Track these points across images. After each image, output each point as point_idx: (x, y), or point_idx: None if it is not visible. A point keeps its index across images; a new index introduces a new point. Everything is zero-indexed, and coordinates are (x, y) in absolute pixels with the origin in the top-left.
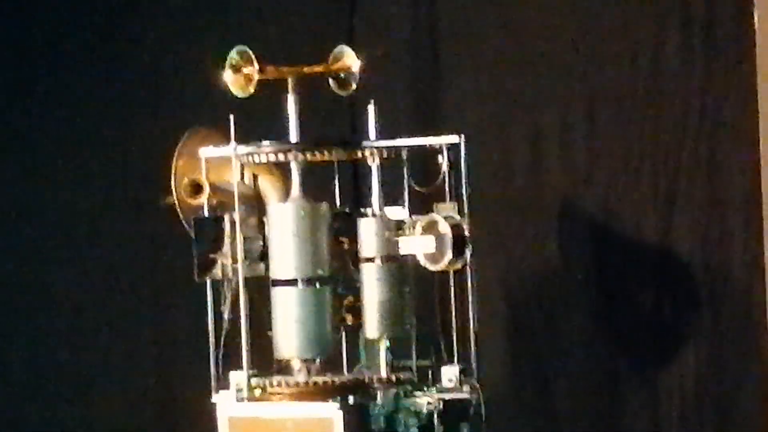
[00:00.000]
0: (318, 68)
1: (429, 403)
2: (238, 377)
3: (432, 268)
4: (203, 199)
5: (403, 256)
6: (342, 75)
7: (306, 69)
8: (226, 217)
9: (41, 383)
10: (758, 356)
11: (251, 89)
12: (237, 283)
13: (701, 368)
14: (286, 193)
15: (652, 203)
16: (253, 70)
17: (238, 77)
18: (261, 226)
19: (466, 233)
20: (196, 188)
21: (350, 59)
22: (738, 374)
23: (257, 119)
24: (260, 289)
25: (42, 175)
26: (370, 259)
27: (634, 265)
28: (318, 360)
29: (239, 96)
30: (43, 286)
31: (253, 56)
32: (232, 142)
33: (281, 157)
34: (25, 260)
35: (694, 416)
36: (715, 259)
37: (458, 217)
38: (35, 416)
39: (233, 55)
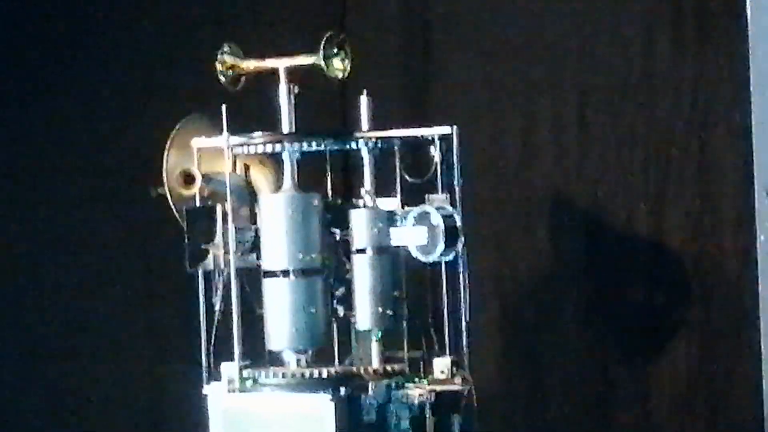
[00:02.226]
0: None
1: (421, 394)
2: (229, 368)
3: (424, 259)
4: (195, 190)
5: (395, 247)
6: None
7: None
8: (218, 208)
9: (32, 376)
10: (749, 347)
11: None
12: (229, 273)
13: (692, 360)
14: (277, 184)
15: (643, 195)
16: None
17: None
18: (253, 216)
19: (458, 224)
20: (188, 178)
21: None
22: (729, 365)
23: (250, 110)
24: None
25: (32, 164)
26: (362, 251)
27: (626, 256)
28: (310, 351)
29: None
30: (33, 276)
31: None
32: (225, 133)
33: (273, 147)
34: (15, 250)
35: (685, 407)
36: (706, 251)
37: (450, 209)
38: (26, 405)
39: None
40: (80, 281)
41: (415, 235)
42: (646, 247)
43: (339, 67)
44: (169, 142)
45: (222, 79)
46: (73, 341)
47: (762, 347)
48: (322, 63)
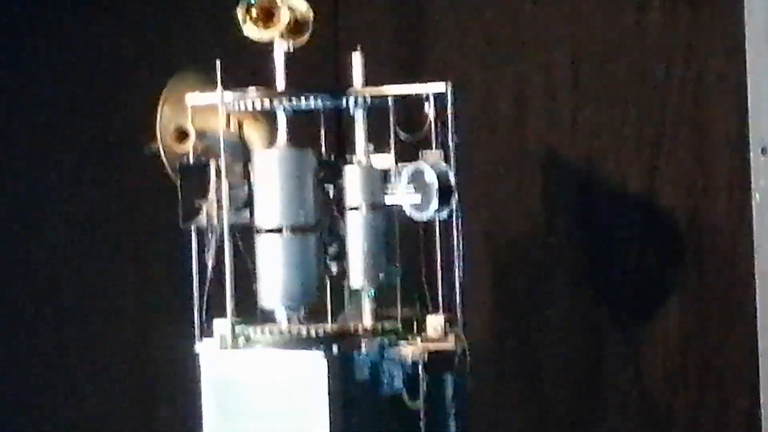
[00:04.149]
0: None
1: (414, 353)
2: (222, 325)
3: (418, 217)
4: (189, 146)
5: (389, 205)
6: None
7: None
8: (212, 164)
9: (18, 335)
10: (743, 310)
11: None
12: (222, 230)
13: (686, 322)
14: (271, 141)
15: (636, 155)
16: None
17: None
18: (246, 173)
19: (452, 182)
20: (182, 135)
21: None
22: (723, 327)
23: (244, 66)
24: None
25: (23, 121)
26: (355, 208)
27: (619, 217)
28: (302, 309)
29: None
30: (22, 234)
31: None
32: (219, 89)
33: (267, 104)
34: (4, 207)
35: (678, 370)
36: (700, 212)
37: (444, 166)
38: (11, 364)
39: None
40: (70, 239)
41: (409, 193)
42: (639, 207)
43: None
44: (162, 99)
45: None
46: (62, 299)
47: (757, 308)
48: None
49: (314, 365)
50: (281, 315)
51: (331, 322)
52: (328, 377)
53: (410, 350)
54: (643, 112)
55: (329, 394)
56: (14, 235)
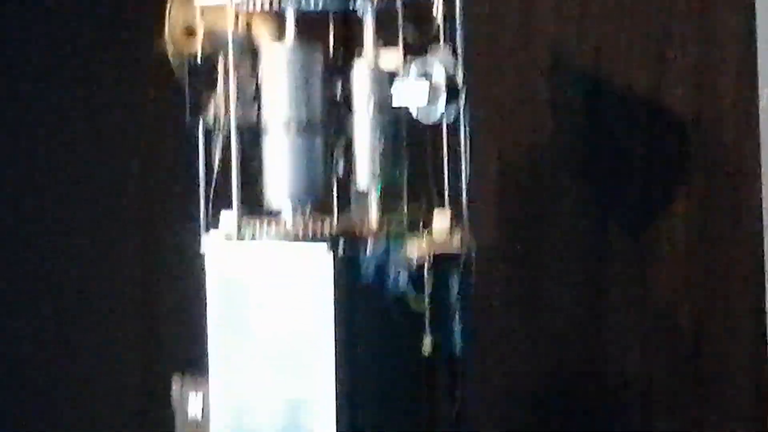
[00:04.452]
0: None
1: (419, 251)
2: (228, 218)
3: (425, 120)
4: (197, 45)
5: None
6: None
7: None
8: (220, 63)
9: (30, 249)
10: (749, 210)
11: None
12: (228, 127)
13: (691, 224)
14: (279, 41)
15: (643, 53)
16: None
17: None
18: (254, 71)
19: (460, 78)
20: (191, 33)
21: None
22: (729, 229)
23: None
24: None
25: (33, 17)
26: (363, 108)
27: (625, 122)
28: (308, 206)
29: None
30: (30, 149)
31: None
32: None
33: (276, 3)
34: (12, 128)
35: (683, 288)
36: (707, 117)
37: (452, 61)
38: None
39: None
40: (76, 133)
41: (416, 92)
42: (645, 105)
43: None
44: None
45: None
46: (68, 205)
47: (763, 209)
48: None
49: (320, 258)
50: (287, 212)
51: (337, 221)
52: (334, 270)
53: (416, 249)
54: (650, 17)
55: (335, 287)
56: (21, 128)
